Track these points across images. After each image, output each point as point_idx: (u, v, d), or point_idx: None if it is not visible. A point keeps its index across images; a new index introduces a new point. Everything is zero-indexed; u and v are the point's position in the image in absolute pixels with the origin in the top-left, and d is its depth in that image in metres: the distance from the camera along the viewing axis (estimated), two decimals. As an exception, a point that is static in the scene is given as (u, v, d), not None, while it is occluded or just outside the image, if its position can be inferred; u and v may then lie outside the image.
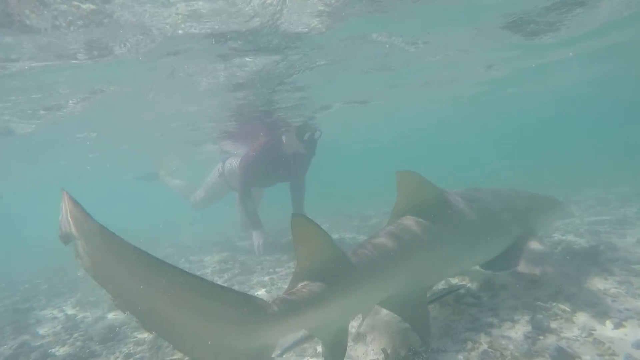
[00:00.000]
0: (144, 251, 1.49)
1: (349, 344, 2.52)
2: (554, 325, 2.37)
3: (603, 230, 4.61)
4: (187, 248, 7.47)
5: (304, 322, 1.93)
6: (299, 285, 1.98)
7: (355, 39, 4.41)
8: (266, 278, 4.23)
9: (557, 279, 2.85)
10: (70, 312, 4.38)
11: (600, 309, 2.48)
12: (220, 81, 4.89)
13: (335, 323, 2.07)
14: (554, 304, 2.64)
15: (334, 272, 2.00)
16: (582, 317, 2.43)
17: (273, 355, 1.93)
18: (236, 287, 4.13)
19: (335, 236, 6.18)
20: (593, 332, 2.25)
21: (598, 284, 2.90)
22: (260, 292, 3.86)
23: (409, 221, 2.55)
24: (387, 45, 4.84)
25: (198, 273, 5.25)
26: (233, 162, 5.86)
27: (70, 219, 1.53)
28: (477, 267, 3.58)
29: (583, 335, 2.22)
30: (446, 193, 2.82)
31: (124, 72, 4.34)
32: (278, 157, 5.15)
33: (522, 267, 2.77)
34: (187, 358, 2.14)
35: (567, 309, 2.53)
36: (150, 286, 1.52)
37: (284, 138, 5.18)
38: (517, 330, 2.37)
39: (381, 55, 5.18)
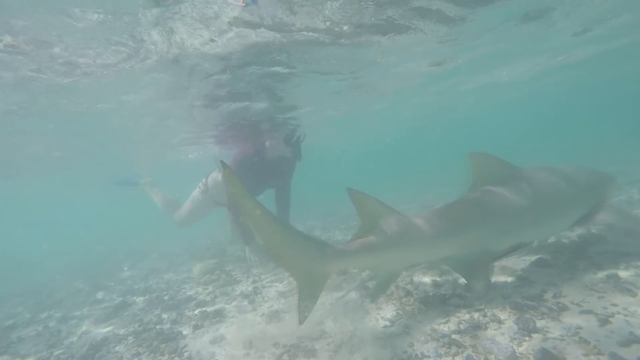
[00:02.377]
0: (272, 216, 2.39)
1: (331, 354, 2.46)
2: (540, 325, 2.31)
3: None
4: (177, 256, 7.38)
5: (354, 263, 2.76)
6: (358, 237, 2.61)
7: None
8: (250, 287, 4.14)
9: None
10: (54, 328, 4.27)
11: (587, 306, 2.43)
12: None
13: (387, 267, 2.71)
14: (541, 302, 2.59)
15: (388, 230, 2.58)
16: (568, 315, 2.37)
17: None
18: (219, 298, 4.05)
19: (323, 236, 6.12)
20: (579, 330, 2.19)
21: (586, 278, 2.85)
22: (244, 303, 3.78)
23: (477, 194, 2.85)
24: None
25: (185, 285, 5.16)
26: (217, 177, 5.63)
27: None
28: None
29: (569, 334, 2.16)
30: (520, 170, 3.01)
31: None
32: (264, 163, 5.04)
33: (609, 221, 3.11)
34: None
35: (554, 307, 2.48)
36: (268, 232, 2.45)
37: (267, 143, 5.06)
38: (504, 332, 2.31)
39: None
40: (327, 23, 3.67)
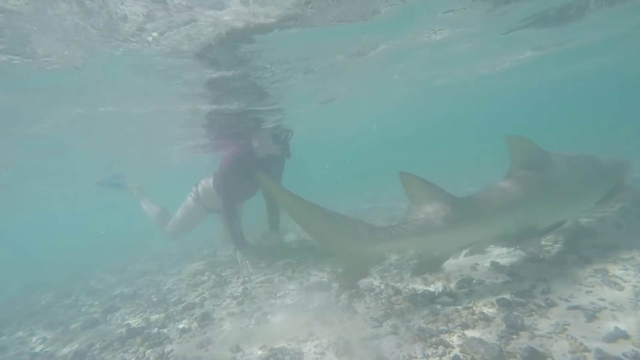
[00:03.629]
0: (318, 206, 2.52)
1: (317, 357, 2.41)
2: (528, 322, 2.29)
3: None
4: (168, 257, 7.29)
5: (406, 244, 2.79)
6: (407, 221, 2.69)
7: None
8: (240, 289, 4.08)
9: None
10: (39, 336, 4.18)
11: (575, 302, 2.41)
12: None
13: (439, 248, 2.77)
14: (530, 298, 2.57)
15: (441, 211, 2.65)
16: (556, 312, 2.35)
17: None
18: (208, 301, 3.98)
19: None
20: (566, 326, 2.17)
21: (575, 273, 2.84)
22: (232, 305, 3.72)
23: (519, 176, 3.00)
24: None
25: (174, 288, 5.08)
26: (207, 183, 5.50)
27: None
28: (454, 262, 3.51)
29: (556, 331, 2.14)
30: (549, 153, 3.19)
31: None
32: (254, 163, 4.95)
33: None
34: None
35: (542, 303, 2.46)
36: (314, 220, 2.60)
37: (256, 143, 4.97)
38: (491, 330, 2.29)
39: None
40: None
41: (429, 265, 2.88)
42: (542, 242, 3.58)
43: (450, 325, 2.41)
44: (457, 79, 9.50)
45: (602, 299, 2.38)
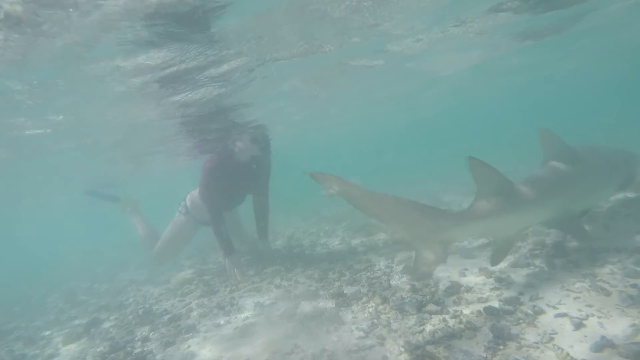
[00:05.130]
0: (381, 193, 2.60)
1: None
2: (515, 331, 2.24)
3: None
4: (157, 265, 7.15)
5: (479, 228, 2.97)
6: (477, 204, 2.85)
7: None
8: (227, 298, 3.99)
9: None
10: (18, 352, 4.05)
11: (562, 309, 2.38)
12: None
13: (505, 232, 2.96)
14: (518, 306, 2.53)
15: (503, 197, 2.83)
16: (544, 320, 2.32)
17: None
18: (195, 311, 3.89)
19: (307, 240, 6.01)
20: (554, 336, 2.13)
21: (563, 277, 2.82)
22: (218, 316, 3.63)
23: (556, 166, 3.30)
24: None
25: (161, 298, 4.97)
26: (194, 195, 5.44)
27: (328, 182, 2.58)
28: (443, 268, 3.48)
29: (543, 340, 2.10)
30: (575, 146, 3.46)
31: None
32: (235, 166, 4.88)
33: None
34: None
35: (530, 311, 2.42)
36: (385, 209, 2.74)
37: (237, 148, 4.90)
38: (478, 341, 2.24)
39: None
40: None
41: (502, 252, 2.99)
42: (530, 246, 3.57)
43: (437, 335, 2.36)
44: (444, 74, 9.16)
45: (590, 305, 2.35)
